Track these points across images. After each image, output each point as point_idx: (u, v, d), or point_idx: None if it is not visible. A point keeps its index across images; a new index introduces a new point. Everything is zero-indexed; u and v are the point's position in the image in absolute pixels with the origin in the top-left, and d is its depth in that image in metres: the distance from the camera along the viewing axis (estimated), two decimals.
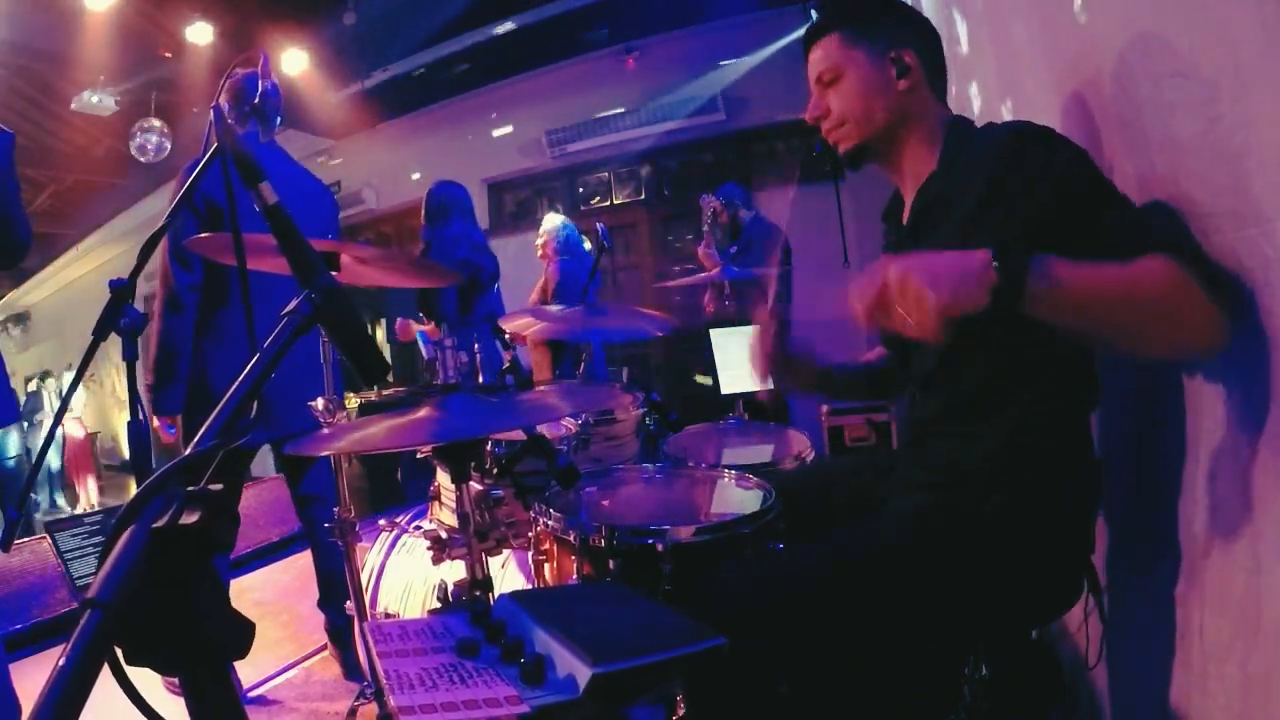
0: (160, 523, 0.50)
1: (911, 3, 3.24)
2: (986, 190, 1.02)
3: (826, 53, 1.19)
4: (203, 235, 1.48)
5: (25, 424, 7.55)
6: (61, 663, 0.44)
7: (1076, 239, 0.90)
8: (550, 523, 1.23)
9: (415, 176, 6.14)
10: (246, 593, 3.06)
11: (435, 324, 3.07)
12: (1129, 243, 0.87)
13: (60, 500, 7.76)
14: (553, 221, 3.94)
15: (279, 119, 2.32)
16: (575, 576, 1.19)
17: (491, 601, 1.12)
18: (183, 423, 2.14)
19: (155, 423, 2.10)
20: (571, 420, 1.69)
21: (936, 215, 1.13)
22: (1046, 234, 0.92)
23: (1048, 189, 0.96)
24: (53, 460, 7.61)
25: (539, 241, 3.93)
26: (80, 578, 2.82)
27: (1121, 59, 1.07)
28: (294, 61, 4.90)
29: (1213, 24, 0.83)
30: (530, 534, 1.32)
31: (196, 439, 0.56)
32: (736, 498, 1.34)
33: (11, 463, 6.86)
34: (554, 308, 1.97)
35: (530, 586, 1.42)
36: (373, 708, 1.63)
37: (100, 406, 9.28)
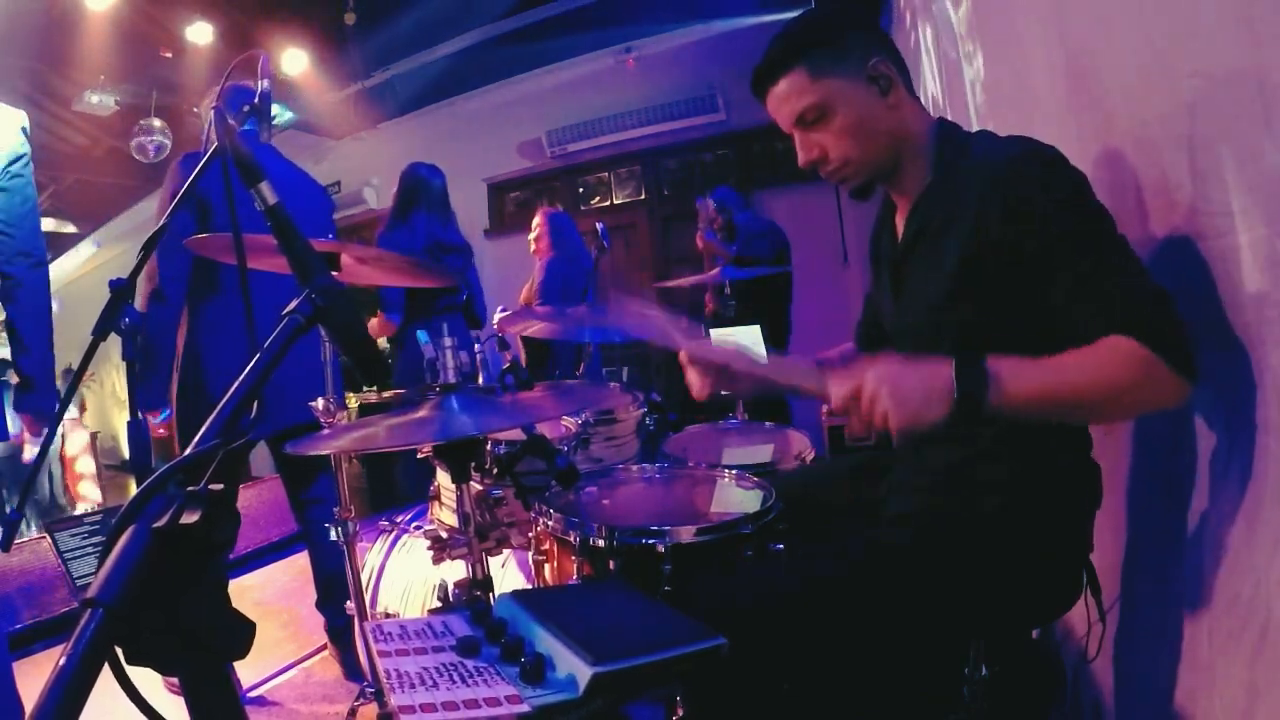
0: (161, 523, 0.50)
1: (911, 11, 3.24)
2: (982, 213, 1.01)
3: (796, 90, 1.09)
4: (202, 235, 1.48)
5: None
6: (62, 662, 0.44)
7: (1052, 282, 0.96)
8: (550, 523, 1.23)
9: None
10: (246, 593, 3.06)
11: (380, 311, 2.86)
12: (1098, 311, 0.92)
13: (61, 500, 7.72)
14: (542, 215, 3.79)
15: (272, 120, 2.32)
16: (575, 576, 1.19)
17: (492, 601, 1.12)
18: (178, 417, 2.14)
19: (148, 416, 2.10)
20: (571, 420, 1.69)
21: (932, 236, 1.10)
22: (1031, 264, 0.97)
23: (1041, 228, 0.96)
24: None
25: (531, 236, 3.84)
26: (80, 578, 2.82)
27: (1139, 59, 1.06)
28: (294, 61, 4.89)
29: (1232, 23, 0.83)
30: (530, 534, 1.32)
31: (197, 439, 0.56)
32: (736, 498, 1.34)
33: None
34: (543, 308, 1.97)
35: (530, 586, 1.42)
36: (373, 708, 1.63)
37: (100, 406, 9.27)
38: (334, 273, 1.39)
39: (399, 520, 1.89)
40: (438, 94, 5.84)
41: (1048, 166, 0.99)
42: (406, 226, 2.89)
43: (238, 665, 1.84)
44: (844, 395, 0.93)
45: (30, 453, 1.94)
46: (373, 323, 2.94)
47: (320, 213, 2.40)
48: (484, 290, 3.30)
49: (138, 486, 0.55)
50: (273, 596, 3.03)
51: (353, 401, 1.61)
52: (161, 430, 2.15)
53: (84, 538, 2.90)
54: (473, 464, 1.44)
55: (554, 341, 3.37)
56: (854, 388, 0.92)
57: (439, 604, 1.30)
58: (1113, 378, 0.89)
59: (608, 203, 5.93)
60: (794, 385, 1.06)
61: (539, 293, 3.59)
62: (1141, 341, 0.87)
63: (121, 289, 1.17)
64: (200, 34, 4.43)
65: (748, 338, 2.43)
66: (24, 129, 1.85)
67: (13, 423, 1.92)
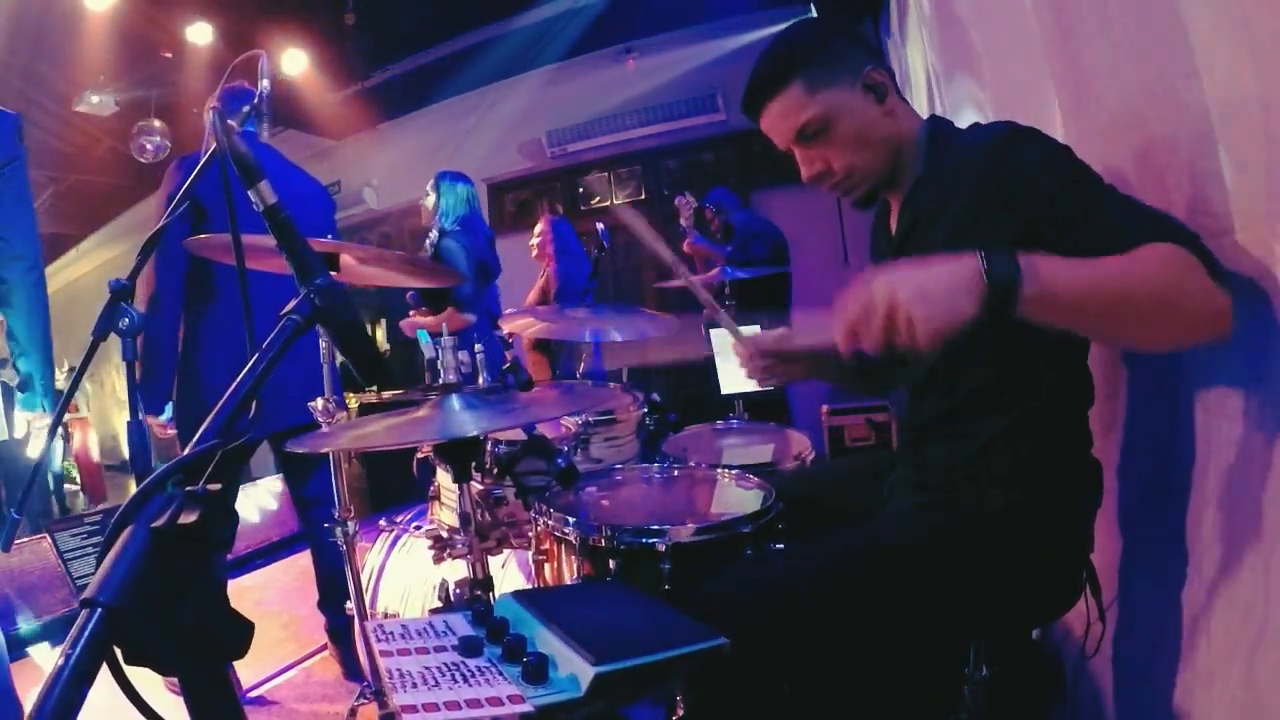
0: (159, 522, 0.50)
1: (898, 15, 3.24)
2: (976, 194, 1.01)
3: (794, 105, 1.08)
4: (201, 235, 1.48)
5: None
6: (60, 662, 0.44)
7: (1072, 234, 0.89)
8: (550, 522, 1.23)
9: (415, 176, 6.12)
10: (246, 593, 3.06)
11: (455, 309, 3.03)
12: (1127, 232, 0.85)
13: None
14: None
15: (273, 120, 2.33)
16: (575, 576, 1.19)
17: (492, 601, 1.12)
18: (176, 421, 2.14)
19: (150, 419, 2.11)
20: (571, 420, 1.69)
21: (925, 224, 1.10)
22: (1041, 233, 0.91)
23: (1038, 186, 0.94)
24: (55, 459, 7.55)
25: (534, 241, 3.92)
26: (80, 577, 2.82)
27: (1136, 59, 1.06)
28: (294, 61, 4.89)
29: (1229, 22, 0.83)
30: (530, 533, 1.32)
31: (195, 438, 0.56)
32: (736, 498, 1.34)
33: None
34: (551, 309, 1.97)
35: (530, 586, 1.42)
36: (373, 708, 1.63)
37: (100, 406, 9.27)
38: (333, 273, 1.39)
39: (399, 520, 1.89)
40: (438, 94, 5.84)
41: (1034, 134, 1.00)
42: (469, 232, 3.10)
43: (238, 665, 1.84)
44: (854, 311, 0.80)
45: (34, 450, 1.97)
46: (440, 316, 3.04)
47: (321, 213, 2.40)
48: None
49: (138, 486, 0.55)
50: (273, 596, 3.03)
51: (353, 401, 1.61)
52: (168, 431, 2.16)
53: (84, 538, 2.90)
54: (473, 464, 1.44)
55: (556, 342, 3.45)
56: (864, 301, 0.79)
57: (439, 604, 1.30)
58: (1155, 276, 0.80)
59: (608, 203, 5.92)
60: (822, 341, 0.92)
61: (557, 297, 3.72)
62: (1179, 244, 0.81)
63: (121, 290, 1.17)
64: (200, 34, 4.42)
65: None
66: (18, 130, 1.85)
67: (17, 423, 1.95)
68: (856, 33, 1.16)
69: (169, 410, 2.14)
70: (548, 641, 0.77)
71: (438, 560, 1.52)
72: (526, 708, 0.68)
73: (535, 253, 3.92)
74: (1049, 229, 0.91)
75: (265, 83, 1.16)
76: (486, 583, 1.20)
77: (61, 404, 1.39)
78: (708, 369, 2.33)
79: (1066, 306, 0.81)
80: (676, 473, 1.51)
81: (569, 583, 1.22)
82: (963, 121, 1.17)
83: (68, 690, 0.43)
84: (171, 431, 2.16)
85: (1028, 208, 0.94)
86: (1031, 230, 0.92)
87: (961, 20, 2.22)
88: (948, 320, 0.76)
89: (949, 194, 1.05)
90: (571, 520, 1.20)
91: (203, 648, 0.52)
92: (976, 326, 0.78)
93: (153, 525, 0.49)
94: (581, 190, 5.98)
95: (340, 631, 2.27)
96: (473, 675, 0.73)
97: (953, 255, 0.79)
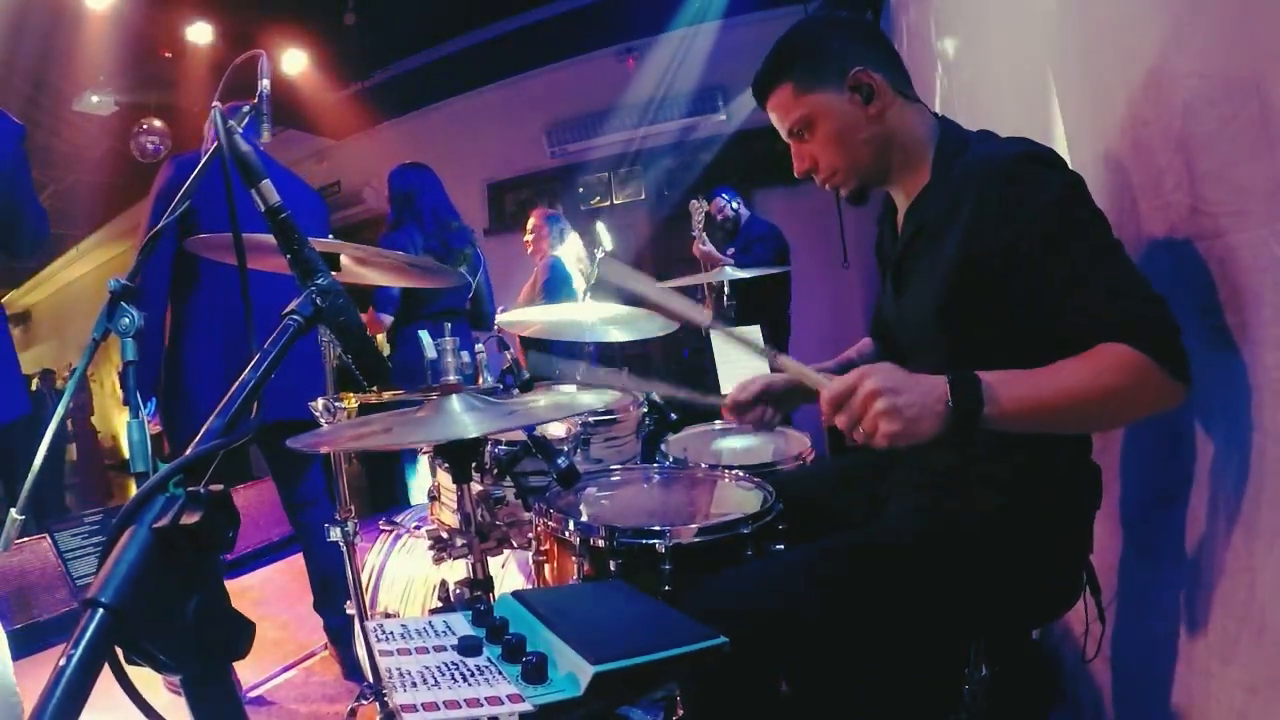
0: (162, 522, 0.50)
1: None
2: (977, 218, 1.00)
3: (784, 106, 1.13)
4: (202, 235, 1.48)
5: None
6: (62, 662, 0.44)
7: (1048, 298, 0.95)
8: (551, 523, 1.23)
9: None
10: (246, 593, 3.06)
11: (373, 308, 2.83)
12: (1097, 324, 0.91)
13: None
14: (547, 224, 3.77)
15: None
16: (575, 576, 1.19)
17: (492, 601, 1.12)
18: (161, 415, 2.13)
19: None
20: (571, 420, 1.69)
21: (927, 237, 1.11)
22: (1026, 275, 0.97)
23: (1034, 231, 0.95)
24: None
25: (528, 237, 3.80)
26: (80, 577, 2.82)
27: (1139, 59, 1.07)
28: (294, 61, 4.89)
29: (1229, 23, 0.83)
30: (531, 534, 1.32)
31: (197, 439, 0.56)
32: (736, 498, 1.34)
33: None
34: (546, 307, 1.96)
35: (530, 586, 1.42)
36: (373, 708, 1.63)
37: (100, 406, 9.28)
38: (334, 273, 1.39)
39: (399, 520, 1.89)
40: (438, 94, 5.84)
41: (1044, 169, 0.99)
42: (414, 222, 2.93)
43: (238, 665, 1.84)
44: (838, 391, 0.91)
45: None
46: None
47: (313, 216, 2.39)
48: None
49: (138, 487, 0.55)
50: (272, 597, 3.04)
51: (351, 401, 1.61)
52: (151, 427, 2.14)
53: (84, 538, 2.90)
54: (473, 464, 1.44)
55: (553, 341, 3.35)
56: (849, 385, 0.90)
57: (439, 604, 1.30)
58: (1108, 384, 0.88)
59: (608, 203, 5.92)
60: (803, 378, 1.04)
61: (542, 291, 3.56)
62: (1135, 347, 0.87)
63: (121, 291, 1.17)
64: (200, 34, 4.42)
65: (747, 337, 2.43)
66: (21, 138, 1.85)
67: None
68: (854, 30, 1.16)
69: (151, 405, 2.13)
70: (547, 641, 0.77)
71: (438, 560, 1.52)
72: (526, 707, 0.68)
73: (530, 248, 3.79)
74: (1033, 277, 0.96)
75: (265, 83, 1.16)
76: (486, 583, 1.20)
77: (63, 404, 1.38)
78: (708, 369, 2.33)
79: (1025, 422, 0.92)
80: (677, 473, 1.51)
81: (569, 583, 1.22)
82: (958, 113, 1.17)
83: (70, 690, 0.43)
84: (152, 427, 2.15)
85: (1021, 247, 0.96)
86: (1019, 258, 0.97)
87: (966, 18, 2.22)
88: (909, 433, 0.89)
89: (953, 207, 1.05)
90: (572, 521, 1.20)
91: (205, 647, 0.52)
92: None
93: (155, 525, 0.49)
94: (581, 190, 5.98)
95: (339, 631, 2.26)
96: (472, 675, 0.73)
97: (929, 377, 0.91)
